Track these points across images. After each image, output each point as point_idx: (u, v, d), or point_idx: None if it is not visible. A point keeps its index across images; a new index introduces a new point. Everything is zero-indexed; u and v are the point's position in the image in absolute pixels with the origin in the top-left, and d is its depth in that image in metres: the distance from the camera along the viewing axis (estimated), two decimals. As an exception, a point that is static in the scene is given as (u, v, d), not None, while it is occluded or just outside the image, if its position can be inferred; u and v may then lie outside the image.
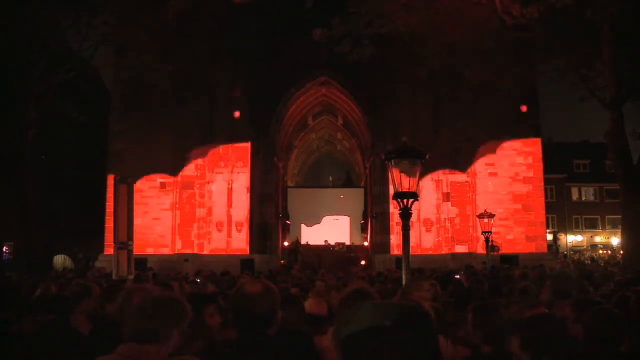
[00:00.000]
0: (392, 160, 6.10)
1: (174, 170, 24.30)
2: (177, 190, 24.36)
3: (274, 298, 2.65)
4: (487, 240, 15.41)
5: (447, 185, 24.31)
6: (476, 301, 3.90)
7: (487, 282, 7.93)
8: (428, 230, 24.21)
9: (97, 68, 30.15)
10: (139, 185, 21.96)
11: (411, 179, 6.04)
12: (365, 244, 28.28)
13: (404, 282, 6.11)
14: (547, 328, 2.41)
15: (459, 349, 3.42)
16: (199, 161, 24.42)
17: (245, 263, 21.80)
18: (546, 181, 27.03)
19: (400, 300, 1.68)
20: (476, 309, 3.60)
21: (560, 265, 22.20)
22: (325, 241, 28.40)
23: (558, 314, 4.00)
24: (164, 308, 2.35)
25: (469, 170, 24.33)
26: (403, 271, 6.25)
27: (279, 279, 12.72)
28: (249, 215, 24.46)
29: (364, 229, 29.65)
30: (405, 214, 6.05)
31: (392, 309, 1.32)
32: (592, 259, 34.41)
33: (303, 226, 31.38)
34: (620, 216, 20.43)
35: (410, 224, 6.23)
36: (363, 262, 25.10)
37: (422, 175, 6.54)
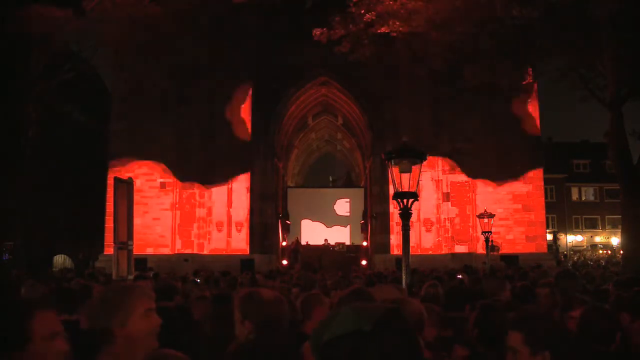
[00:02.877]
0: (392, 160, 6.11)
1: (174, 170, 24.30)
2: (177, 190, 24.37)
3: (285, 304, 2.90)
4: (487, 240, 15.44)
5: (447, 185, 24.32)
6: (476, 301, 3.90)
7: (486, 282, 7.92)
8: (428, 230, 24.22)
9: (97, 68, 30.17)
10: (139, 185, 21.99)
11: (411, 179, 6.05)
12: (365, 244, 28.26)
13: (404, 282, 6.12)
14: (549, 324, 2.44)
15: (457, 349, 3.42)
16: (199, 161, 24.41)
17: (245, 263, 21.81)
18: (546, 181, 27.04)
19: (381, 303, 1.65)
20: (475, 309, 3.60)
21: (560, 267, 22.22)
22: (325, 240, 28.39)
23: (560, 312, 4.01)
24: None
25: (469, 170, 24.34)
26: (403, 271, 6.26)
27: (279, 278, 12.71)
28: (249, 215, 24.47)
29: (364, 229, 29.63)
30: (405, 214, 6.06)
31: (370, 313, 1.30)
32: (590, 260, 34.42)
33: (303, 226, 31.34)
34: (620, 216, 20.41)
35: (410, 224, 6.23)
36: (364, 262, 25.07)
37: (422, 176, 6.54)
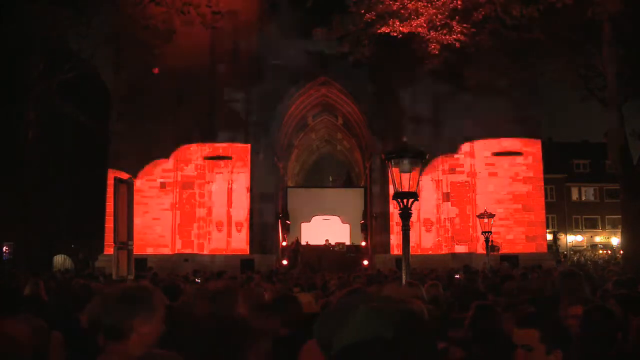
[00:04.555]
0: (392, 160, 6.11)
1: (174, 170, 24.31)
2: (177, 190, 24.36)
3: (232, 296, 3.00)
4: (487, 240, 15.44)
5: (447, 185, 24.32)
6: (475, 301, 3.90)
7: (486, 281, 7.93)
8: (428, 230, 24.21)
9: (97, 68, 30.16)
10: (139, 185, 22.01)
11: (411, 179, 6.05)
12: (363, 244, 28.27)
13: (403, 282, 6.12)
14: (559, 323, 2.45)
15: (452, 350, 3.41)
16: (199, 161, 24.44)
17: (245, 263, 21.83)
18: (546, 181, 27.03)
19: (397, 304, 1.51)
20: (472, 309, 3.60)
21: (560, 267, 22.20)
22: (326, 241, 28.39)
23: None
24: (122, 301, 2.27)
25: (469, 170, 24.37)
26: (403, 271, 6.26)
27: (279, 278, 12.72)
28: (249, 215, 24.46)
29: (364, 229, 29.63)
30: (405, 214, 6.06)
31: (388, 317, 1.23)
32: (589, 260, 34.42)
33: (303, 226, 31.33)
34: (620, 216, 20.41)
35: (410, 224, 6.23)
36: (366, 262, 25.04)
37: (422, 175, 6.54)
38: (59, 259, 32.84)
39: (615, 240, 42.20)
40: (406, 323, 1.23)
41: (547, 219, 28.62)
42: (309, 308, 4.54)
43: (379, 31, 17.51)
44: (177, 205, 24.28)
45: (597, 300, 4.75)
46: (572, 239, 46.45)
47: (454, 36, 17.01)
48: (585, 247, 45.81)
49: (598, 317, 3.06)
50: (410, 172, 6.04)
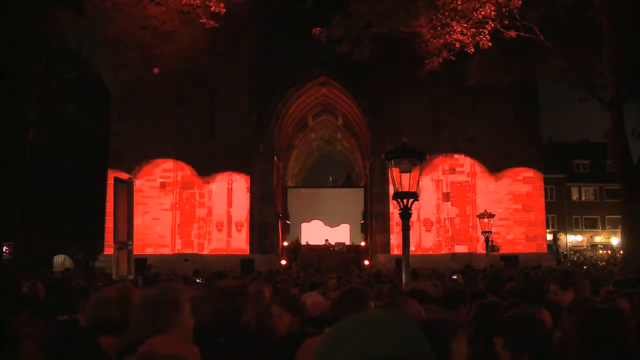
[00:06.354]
0: (392, 160, 6.12)
1: (174, 170, 24.31)
2: (177, 190, 24.37)
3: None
4: (487, 240, 15.45)
5: (447, 185, 24.32)
6: (475, 300, 3.90)
7: (487, 281, 7.93)
8: (428, 230, 24.21)
9: (97, 68, 30.14)
10: (139, 185, 22.01)
11: (411, 179, 6.05)
12: (363, 244, 28.26)
13: (404, 282, 6.12)
14: (529, 328, 2.45)
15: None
16: (199, 161, 24.43)
17: (245, 263, 21.83)
18: (546, 181, 27.04)
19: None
20: (474, 308, 3.59)
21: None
22: (326, 241, 28.38)
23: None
24: (159, 305, 2.36)
25: (469, 170, 24.37)
26: (403, 271, 6.27)
27: (279, 278, 12.71)
28: (249, 215, 24.47)
29: (364, 229, 29.62)
30: (405, 214, 6.06)
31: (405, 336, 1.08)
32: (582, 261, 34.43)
33: (303, 226, 31.31)
34: (620, 216, 20.40)
35: (410, 224, 6.23)
36: (367, 263, 25.03)
37: (422, 175, 6.54)
38: (59, 259, 32.82)
39: (615, 240, 42.17)
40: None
41: (547, 219, 28.61)
42: (320, 307, 4.55)
43: (378, 31, 17.50)
44: (177, 205, 24.29)
45: (598, 299, 4.75)
46: (572, 239, 46.42)
47: (454, 36, 16.99)
48: (585, 247, 45.76)
49: (585, 317, 3.05)
50: (410, 172, 6.05)
